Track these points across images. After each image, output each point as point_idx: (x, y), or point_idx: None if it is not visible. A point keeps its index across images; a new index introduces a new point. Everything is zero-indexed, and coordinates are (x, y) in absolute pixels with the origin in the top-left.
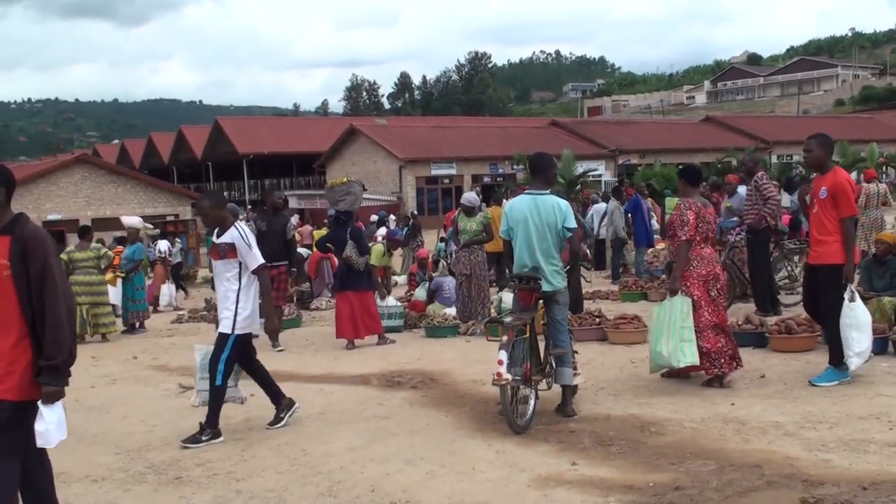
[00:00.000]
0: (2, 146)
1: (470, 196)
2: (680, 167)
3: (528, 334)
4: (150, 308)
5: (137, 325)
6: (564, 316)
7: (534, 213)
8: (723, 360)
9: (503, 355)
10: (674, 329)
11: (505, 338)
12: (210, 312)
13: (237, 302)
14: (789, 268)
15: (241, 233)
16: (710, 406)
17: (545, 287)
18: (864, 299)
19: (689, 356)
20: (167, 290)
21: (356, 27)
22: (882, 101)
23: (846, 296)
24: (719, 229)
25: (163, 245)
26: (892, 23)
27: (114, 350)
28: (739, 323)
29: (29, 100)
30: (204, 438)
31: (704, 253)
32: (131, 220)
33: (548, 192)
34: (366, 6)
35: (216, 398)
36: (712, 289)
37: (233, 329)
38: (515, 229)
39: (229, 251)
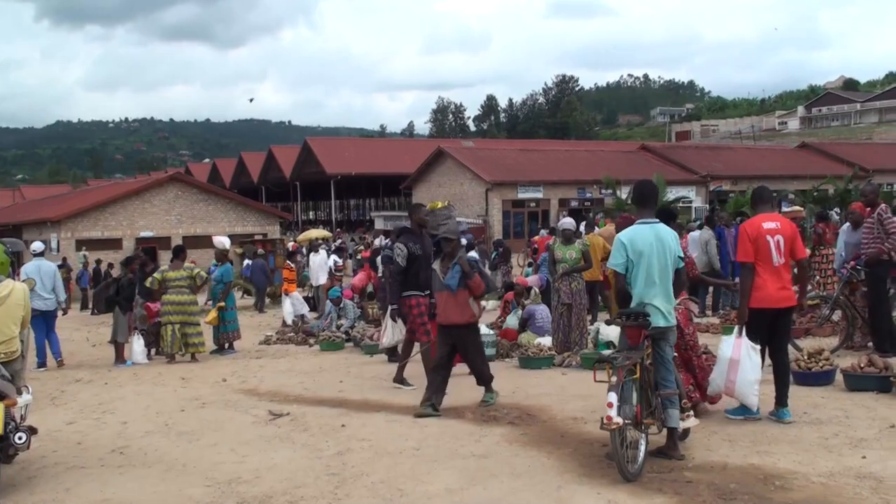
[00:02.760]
0: (99, 164)
1: (570, 222)
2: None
3: (637, 374)
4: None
5: (227, 345)
6: (672, 355)
7: (657, 245)
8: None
9: (613, 397)
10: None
11: (615, 378)
12: (297, 334)
13: None
14: None
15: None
16: (837, 458)
17: (661, 323)
18: None
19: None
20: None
21: (445, 50)
22: None
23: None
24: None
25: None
26: None
27: (203, 371)
28: (861, 366)
29: (126, 119)
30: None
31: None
32: (220, 240)
33: (658, 221)
34: (455, 30)
35: None
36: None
37: None
38: (637, 262)
39: None
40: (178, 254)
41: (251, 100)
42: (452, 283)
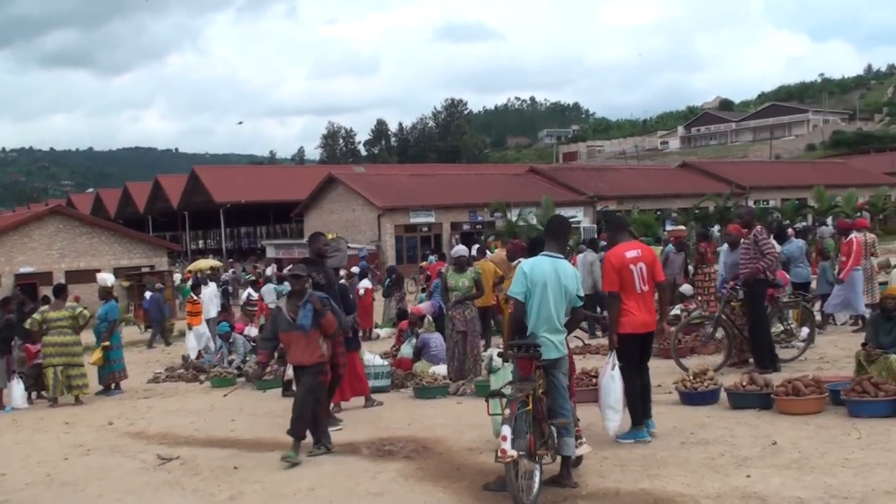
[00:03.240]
0: None
1: (462, 249)
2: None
3: (530, 406)
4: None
5: (113, 385)
6: (566, 384)
7: (554, 279)
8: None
9: (507, 430)
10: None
11: (508, 411)
12: (188, 371)
13: None
14: (785, 322)
15: None
16: (723, 479)
17: (552, 354)
18: (870, 356)
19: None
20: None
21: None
22: (852, 145)
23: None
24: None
25: (364, 283)
26: (860, 69)
27: (88, 414)
28: (744, 384)
29: (3, 149)
30: None
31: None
32: (102, 277)
33: (563, 256)
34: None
35: None
36: None
37: None
38: (532, 292)
39: None
40: (59, 293)
41: (240, 122)
42: (306, 322)
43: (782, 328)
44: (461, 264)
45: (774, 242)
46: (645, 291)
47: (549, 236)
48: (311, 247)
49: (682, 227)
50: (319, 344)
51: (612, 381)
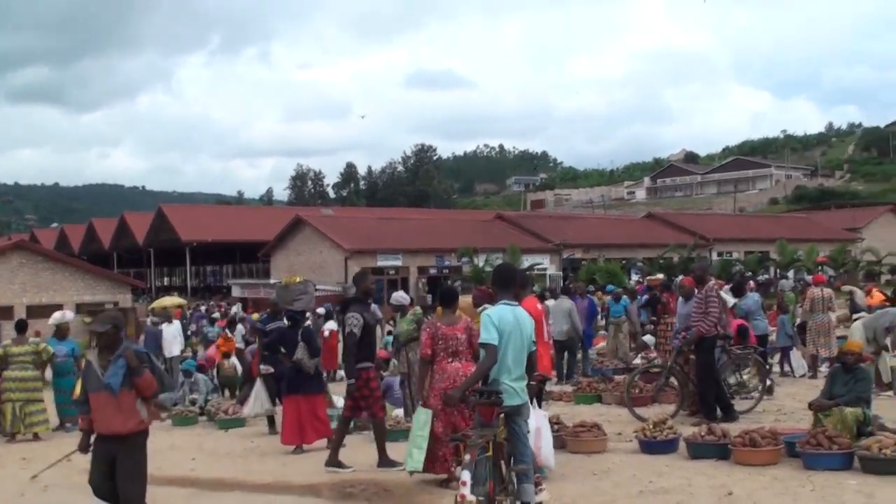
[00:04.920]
0: None
1: (398, 295)
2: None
3: (490, 452)
4: None
5: (70, 424)
6: (527, 430)
7: (515, 326)
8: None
9: (466, 476)
10: (412, 436)
11: (468, 456)
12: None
13: None
14: (739, 374)
15: None
16: None
17: (515, 401)
18: (825, 409)
19: (413, 462)
20: None
21: (306, 118)
22: (814, 200)
23: None
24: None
25: (330, 325)
26: (822, 126)
27: (46, 450)
28: (702, 434)
29: None
30: None
31: (448, 367)
32: (56, 315)
33: (518, 304)
34: (315, 98)
35: None
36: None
37: None
38: (504, 339)
39: None
40: (21, 329)
41: (363, 116)
42: (115, 381)
43: (736, 380)
44: (400, 308)
45: (728, 297)
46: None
47: (500, 285)
48: (358, 286)
49: (660, 276)
50: (137, 408)
51: (546, 424)
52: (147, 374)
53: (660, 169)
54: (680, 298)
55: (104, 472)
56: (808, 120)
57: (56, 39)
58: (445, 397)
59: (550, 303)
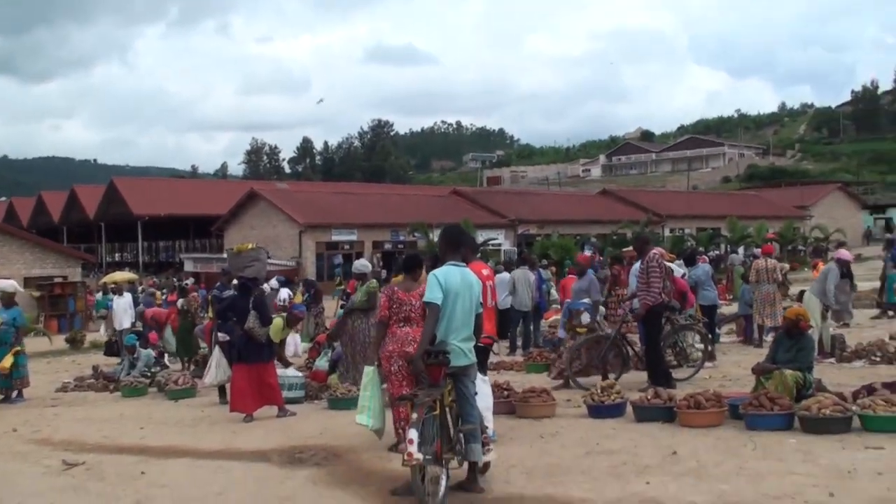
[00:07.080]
0: None
1: (359, 263)
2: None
3: (438, 411)
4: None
5: (14, 394)
6: (474, 391)
7: (464, 287)
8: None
9: (414, 434)
10: (360, 395)
11: (415, 415)
12: (98, 380)
13: None
14: (681, 343)
15: None
16: (623, 485)
17: (462, 361)
18: (767, 372)
19: (362, 419)
20: (292, 341)
21: (263, 92)
22: (766, 179)
23: None
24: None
25: (284, 293)
26: (775, 106)
27: None
28: (648, 398)
29: None
30: None
31: (398, 332)
32: (2, 284)
33: (465, 265)
34: (273, 72)
35: None
36: (394, 364)
37: None
38: (450, 300)
39: None
40: None
41: (320, 101)
42: None
43: (678, 348)
44: (363, 278)
45: (676, 266)
46: (490, 307)
47: (448, 246)
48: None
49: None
50: None
51: (484, 387)
52: None
53: (615, 147)
54: (636, 267)
55: None
56: (762, 100)
57: (7, 7)
58: (412, 366)
59: (517, 273)
